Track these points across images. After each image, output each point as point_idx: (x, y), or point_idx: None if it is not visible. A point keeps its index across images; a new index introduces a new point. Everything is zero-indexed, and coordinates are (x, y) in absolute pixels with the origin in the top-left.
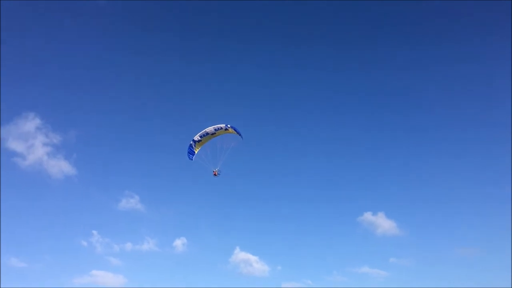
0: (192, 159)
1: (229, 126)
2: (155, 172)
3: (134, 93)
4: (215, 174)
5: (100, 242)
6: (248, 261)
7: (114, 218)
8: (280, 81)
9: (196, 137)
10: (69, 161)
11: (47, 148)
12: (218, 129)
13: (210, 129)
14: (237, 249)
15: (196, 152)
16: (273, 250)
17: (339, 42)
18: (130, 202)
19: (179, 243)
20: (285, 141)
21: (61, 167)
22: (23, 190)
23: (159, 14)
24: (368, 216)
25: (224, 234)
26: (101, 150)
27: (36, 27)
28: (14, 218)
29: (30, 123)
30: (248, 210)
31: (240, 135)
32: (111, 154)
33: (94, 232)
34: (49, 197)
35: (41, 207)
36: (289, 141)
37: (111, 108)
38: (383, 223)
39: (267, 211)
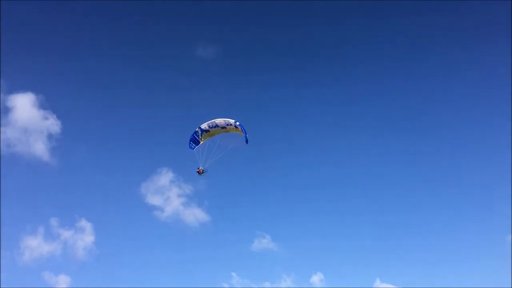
0: (193, 149)
1: (238, 123)
2: (283, 211)
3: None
4: (199, 173)
5: (240, 283)
6: None
7: (249, 259)
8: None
9: (204, 126)
10: (202, 208)
11: (182, 198)
12: (228, 124)
13: (220, 121)
14: (378, 281)
15: (201, 142)
16: (417, 279)
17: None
18: (262, 242)
19: (316, 279)
20: None
21: (196, 215)
22: (165, 240)
23: None
24: None
25: (363, 265)
26: (230, 195)
27: None
28: (160, 269)
29: (165, 178)
30: (389, 240)
31: (246, 138)
32: (239, 198)
33: (233, 274)
34: (188, 244)
35: (182, 254)
36: None
37: (233, 159)
38: None
39: (410, 240)
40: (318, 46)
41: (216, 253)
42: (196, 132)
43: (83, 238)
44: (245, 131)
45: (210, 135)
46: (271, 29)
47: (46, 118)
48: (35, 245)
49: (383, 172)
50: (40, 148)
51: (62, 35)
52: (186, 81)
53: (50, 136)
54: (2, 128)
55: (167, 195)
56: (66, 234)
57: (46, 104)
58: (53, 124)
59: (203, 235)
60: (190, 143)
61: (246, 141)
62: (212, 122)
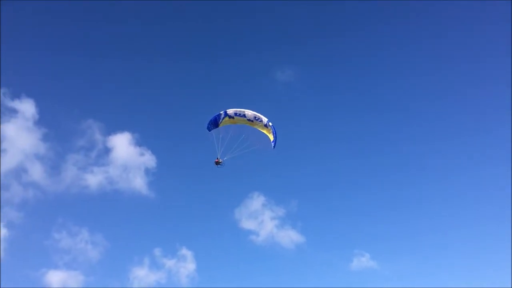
0: (209, 130)
1: (270, 124)
2: (380, 227)
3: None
4: (217, 163)
5: None
6: None
7: (350, 278)
8: None
9: (230, 111)
10: (296, 229)
11: (275, 221)
12: (257, 119)
13: (249, 113)
14: None
15: (220, 126)
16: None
17: None
18: (362, 261)
19: None
20: None
21: (290, 237)
22: (262, 263)
23: None
24: None
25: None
26: (323, 214)
27: None
28: None
29: (257, 202)
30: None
31: (274, 142)
32: (334, 216)
33: None
34: (286, 266)
35: (281, 276)
36: None
37: (322, 176)
38: None
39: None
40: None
41: (315, 274)
42: (219, 115)
43: (186, 266)
44: (276, 135)
45: (233, 122)
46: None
47: (142, 154)
48: (142, 275)
49: None
50: (139, 183)
51: (151, 85)
52: (270, 106)
53: (147, 171)
54: (104, 167)
55: (260, 219)
56: (170, 263)
57: (141, 141)
58: (149, 159)
59: (300, 257)
60: (208, 124)
61: (274, 146)
62: (240, 111)
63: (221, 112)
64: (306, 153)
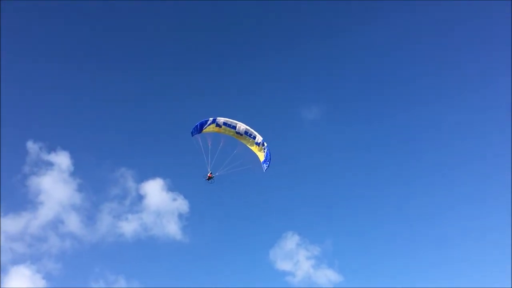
0: (193, 135)
1: (265, 145)
2: (416, 262)
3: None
4: (208, 178)
5: None
6: None
7: None
8: None
9: (220, 119)
10: (333, 268)
11: (311, 261)
12: (251, 135)
13: (241, 126)
14: None
15: (204, 131)
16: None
17: None
18: None
19: None
20: None
21: (327, 276)
22: None
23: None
24: None
25: None
26: (359, 251)
27: None
28: None
29: (291, 242)
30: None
31: (267, 165)
32: (370, 253)
33: None
34: None
35: None
36: None
37: (353, 214)
38: None
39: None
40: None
41: None
42: (206, 120)
43: None
44: (270, 158)
45: (218, 131)
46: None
47: (175, 199)
48: None
49: None
50: (173, 228)
51: (179, 131)
52: (298, 145)
53: (180, 216)
54: (138, 215)
55: (296, 259)
56: None
57: (173, 186)
58: (181, 203)
59: None
60: (193, 128)
61: (266, 169)
62: (232, 122)
63: (209, 119)
64: (338, 190)
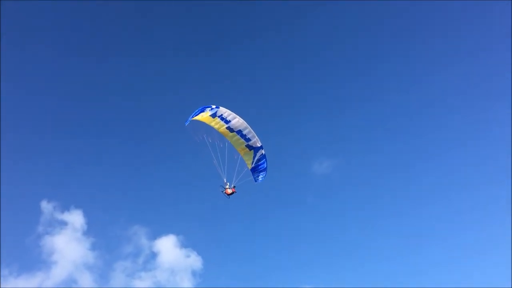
0: (186, 123)
1: (263, 152)
2: None
3: None
4: (228, 193)
5: None
6: None
7: None
8: None
9: (222, 109)
10: None
11: None
12: (243, 136)
13: (236, 122)
14: None
15: (195, 118)
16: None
17: None
18: None
19: None
20: None
21: None
22: None
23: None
24: None
25: None
26: None
27: None
28: None
29: None
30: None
31: (263, 176)
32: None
33: None
34: None
35: None
36: None
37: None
38: None
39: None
40: None
41: None
42: (208, 106)
43: None
44: (266, 168)
45: (209, 122)
46: None
47: (188, 256)
48: None
49: None
50: (187, 286)
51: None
52: (309, 198)
53: (194, 273)
54: (152, 272)
55: None
56: None
57: (186, 242)
58: (195, 260)
59: None
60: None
61: (257, 179)
62: (230, 114)
63: (213, 106)
64: (351, 243)
